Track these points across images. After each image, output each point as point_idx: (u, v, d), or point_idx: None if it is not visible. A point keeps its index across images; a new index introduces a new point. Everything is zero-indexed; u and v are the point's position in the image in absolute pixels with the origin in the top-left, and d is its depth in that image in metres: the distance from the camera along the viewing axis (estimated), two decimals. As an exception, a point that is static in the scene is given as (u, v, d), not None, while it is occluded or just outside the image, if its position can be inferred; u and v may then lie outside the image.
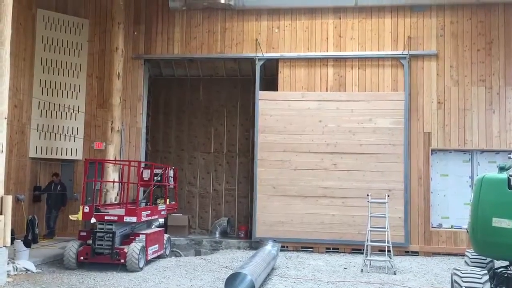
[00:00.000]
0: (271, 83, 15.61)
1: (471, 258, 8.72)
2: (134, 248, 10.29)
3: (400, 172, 13.54)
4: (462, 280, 6.90)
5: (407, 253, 13.39)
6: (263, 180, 14.03)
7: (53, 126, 14.53)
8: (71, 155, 14.77)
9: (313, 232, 13.69)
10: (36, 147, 14.23)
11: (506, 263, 7.78)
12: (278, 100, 14.26)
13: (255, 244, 13.59)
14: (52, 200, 14.16)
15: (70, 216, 12.01)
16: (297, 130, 14.04)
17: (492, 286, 7.53)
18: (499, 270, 7.92)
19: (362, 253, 11.60)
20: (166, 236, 12.59)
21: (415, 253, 13.37)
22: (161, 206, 12.64)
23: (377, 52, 14.10)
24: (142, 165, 13.00)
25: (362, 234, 13.27)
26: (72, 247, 10.42)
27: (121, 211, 10.85)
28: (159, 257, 11.97)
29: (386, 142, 13.67)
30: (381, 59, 14.08)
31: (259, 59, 14.51)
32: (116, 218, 10.54)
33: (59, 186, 14.21)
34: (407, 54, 13.88)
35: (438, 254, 13.31)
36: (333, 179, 13.78)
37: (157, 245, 11.68)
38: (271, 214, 13.89)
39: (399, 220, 13.36)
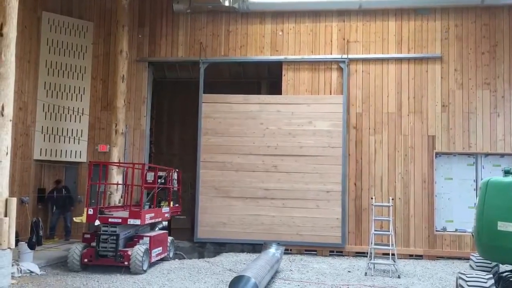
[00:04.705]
0: (274, 86, 15.64)
1: (476, 262, 8.70)
2: (138, 251, 10.30)
3: (338, 174, 13.72)
4: (467, 284, 6.88)
5: (411, 256, 13.36)
6: (205, 182, 14.21)
7: (57, 128, 14.57)
8: (75, 157, 14.80)
9: (253, 233, 13.88)
10: (41, 149, 14.27)
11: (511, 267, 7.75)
12: (221, 103, 14.45)
13: (259, 247, 13.57)
14: (60, 205, 14.20)
15: (74, 218, 12.04)
16: (238, 133, 14.24)
17: (497, 290, 7.50)
18: (504, 274, 7.90)
19: (366, 256, 11.57)
20: (170, 238, 12.59)
21: (419, 257, 13.33)
22: (165, 209, 12.65)
23: (381, 54, 14.09)
24: (146, 167, 13.01)
25: (299, 235, 13.74)
26: (76, 250, 10.43)
27: (125, 214, 10.85)
28: (162, 259, 11.97)
29: (325, 144, 13.86)
30: (385, 61, 14.07)
31: (203, 63, 14.67)
32: (120, 220, 10.55)
33: (63, 191, 14.26)
34: (346, 58, 14.05)
35: (442, 258, 13.26)
36: (274, 181, 13.98)
37: (160, 248, 11.68)
38: (213, 215, 14.09)
39: (336, 221, 13.60)
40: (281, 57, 14.48)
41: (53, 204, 14.31)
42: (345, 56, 14.09)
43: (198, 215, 14.15)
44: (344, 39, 14.24)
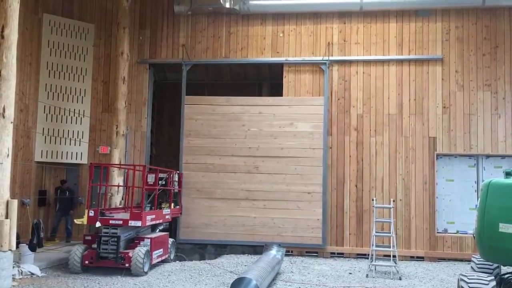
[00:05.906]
0: (275, 88, 15.65)
1: (477, 264, 8.68)
2: (138, 253, 10.29)
3: (319, 175, 13.79)
4: (468, 286, 6.87)
5: (412, 258, 13.33)
6: (187, 183, 14.25)
7: (58, 130, 14.58)
8: (76, 159, 14.81)
9: (235, 234, 13.97)
10: (42, 151, 14.28)
11: (513, 268, 7.74)
12: (203, 105, 14.50)
13: (259, 249, 13.57)
14: (62, 205, 14.21)
15: (75, 220, 12.05)
16: (221, 134, 14.32)
17: (498, 292, 7.49)
18: (506, 276, 7.89)
19: (367, 258, 11.56)
20: (170, 240, 12.58)
21: (420, 259, 13.31)
22: (166, 210, 12.65)
23: (381, 56, 14.09)
24: (147, 169, 13.01)
25: (281, 235, 13.80)
26: (77, 251, 10.43)
27: (126, 215, 10.85)
28: (163, 261, 11.97)
29: (306, 145, 13.94)
30: (385, 62, 14.07)
31: (186, 64, 14.73)
32: (121, 222, 10.55)
33: (67, 192, 14.27)
34: (327, 60, 14.13)
35: (444, 259, 13.24)
36: (255, 182, 14.05)
37: (161, 249, 11.67)
38: (195, 217, 14.15)
39: (317, 222, 13.68)
40: (281, 59, 14.49)
41: (56, 203, 14.33)
42: (326, 58, 14.13)
43: (180, 216, 14.18)
44: (326, 42, 14.30)
